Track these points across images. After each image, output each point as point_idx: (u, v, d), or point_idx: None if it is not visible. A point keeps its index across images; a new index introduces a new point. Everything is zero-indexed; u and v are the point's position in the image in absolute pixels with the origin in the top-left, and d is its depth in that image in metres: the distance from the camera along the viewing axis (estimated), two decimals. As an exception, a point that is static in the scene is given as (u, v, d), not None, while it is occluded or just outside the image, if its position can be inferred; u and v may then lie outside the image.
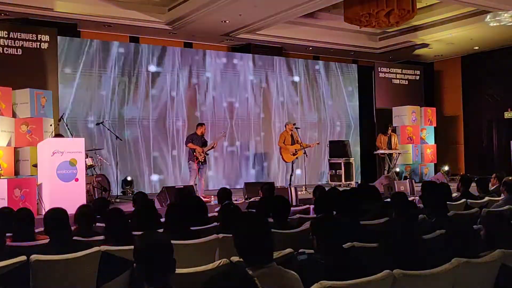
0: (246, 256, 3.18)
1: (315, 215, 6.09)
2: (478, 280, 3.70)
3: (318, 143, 13.73)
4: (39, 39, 12.20)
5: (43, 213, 7.97)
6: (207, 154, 11.81)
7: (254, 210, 7.03)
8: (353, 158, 15.31)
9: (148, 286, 2.83)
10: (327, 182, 15.01)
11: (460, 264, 3.52)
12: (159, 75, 14.58)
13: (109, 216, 5.00)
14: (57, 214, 4.76)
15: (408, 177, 14.87)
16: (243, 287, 2.15)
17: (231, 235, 4.58)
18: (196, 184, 11.44)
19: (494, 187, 8.78)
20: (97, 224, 5.66)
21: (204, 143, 11.68)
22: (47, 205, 8.47)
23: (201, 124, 11.95)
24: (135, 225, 5.26)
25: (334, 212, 5.55)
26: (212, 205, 9.40)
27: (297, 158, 13.00)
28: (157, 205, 9.40)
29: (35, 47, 12.15)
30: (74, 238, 4.85)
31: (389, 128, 15.24)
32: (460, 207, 7.20)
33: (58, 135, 10.64)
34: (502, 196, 7.61)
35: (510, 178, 8.03)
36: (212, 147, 11.84)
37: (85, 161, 9.91)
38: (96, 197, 9.89)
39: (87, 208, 5.61)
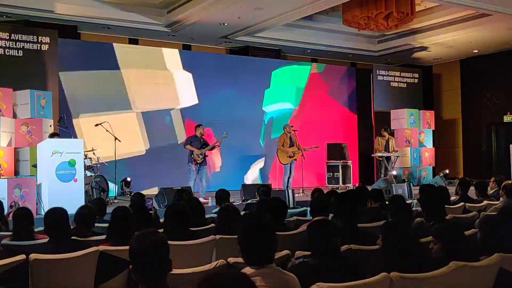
0: (248, 255, 3.21)
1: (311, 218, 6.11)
2: (476, 284, 3.71)
3: (317, 147, 13.72)
4: (39, 40, 12.23)
5: (42, 213, 8.04)
6: (206, 156, 11.83)
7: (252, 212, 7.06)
8: (350, 161, 15.34)
9: (144, 286, 2.84)
10: (325, 185, 15.04)
11: (458, 267, 3.53)
12: (159, 75, 14.62)
13: (115, 214, 5.01)
14: (58, 213, 4.78)
15: (406, 180, 14.89)
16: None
17: (228, 236, 4.62)
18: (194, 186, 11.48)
19: (493, 191, 8.77)
20: (96, 224, 5.69)
21: (203, 145, 11.71)
22: (46, 205, 8.50)
23: (199, 125, 11.97)
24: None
25: (331, 215, 5.57)
26: (209, 206, 9.42)
27: (295, 160, 13.01)
28: (155, 206, 9.45)
29: (36, 48, 12.18)
30: (72, 238, 4.87)
31: (383, 130, 15.26)
32: (458, 211, 7.21)
33: (54, 134, 10.65)
34: (501, 200, 7.62)
35: (510, 182, 8.03)
36: (213, 148, 11.85)
37: (84, 162, 9.93)
38: (95, 197, 9.91)
39: (87, 209, 5.62)
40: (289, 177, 12.99)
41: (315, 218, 5.37)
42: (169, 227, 5.04)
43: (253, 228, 3.29)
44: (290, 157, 12.89)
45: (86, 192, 9.81)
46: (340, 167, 14.87)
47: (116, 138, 11.97)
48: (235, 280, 2.11)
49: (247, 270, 3.12)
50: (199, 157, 11.53)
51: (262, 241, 3.22)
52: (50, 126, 11.22)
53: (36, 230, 5.31)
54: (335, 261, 3.63)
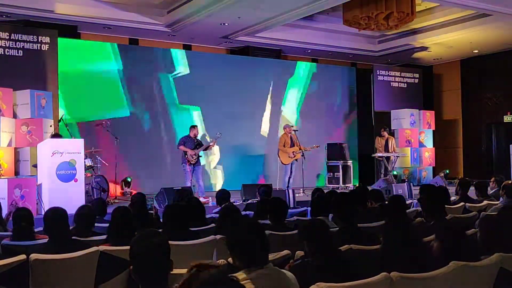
0: (243, 258, 3.21)
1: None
2: (476, 284, 3.70)
3: (317, 146, 13.74)
4: (39, 40, 12.21)
5: (43, 213, 8.03)
6: (200, 156, 11.84)
7: (252, 212, 7.07)
8: (351, 161, 15.35)
9: (145, 287, 2.84)
10: (325, 184, 15.05)
11: (458, 267, 3.53)
12: (158, 76, 14.64)
13: (115, 214, 5.01)
14: (57, 213, 4.78)
15: (406, 180, 14.90)
16: None
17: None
18: (194, 186, 11.48)
19: (493, 191, 8.77)
20: (96, 224, 5.69)
21: (197, 145, 11.73)
22: (46, 205, 8.50)
23: (194, 126, 12.03)
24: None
25: (331, 215, 5.58)
26: (209, 206, 9.43)
27: (296, 160, 13.02)
28: (156, 206, 9.45)
29: (36, 48, 12.17)
30: (73, 238, 4.87)
31: (382, 131, 15.26)
32: (458, 211, 7.21)
33: (56, 134, 10.66)
34: (501, 200, 7.62)
35: (510, 181, 8.02)
36: (207, 148, 11.87)
37: (84, 162, 9.93)
38: (95, 197, 9.93)
39: (87, 208, 5.62)
40: (289, 177, 13.01)
41: (307, 220, 5.39)
42: (168, 227, 5.04)
43: (244, 231, 3.29)
44: (291, 157, 12.90)
45: (86, 192, 9.82)
46: (340, 167, 14.87)
47: (116, 138, 11.99)
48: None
49: (245, 272, 3.12)
50: (192, 157, 11.56)
51: (255, 242, 3.21)
52: (51, 126, 11.22)
53: (36, 230, 5.31)
54: (334, 260, 3.63)
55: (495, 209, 6.92)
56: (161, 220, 6.19)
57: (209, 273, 2.43)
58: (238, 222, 3.43)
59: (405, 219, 5.34)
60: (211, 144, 11.83)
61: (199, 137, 12.41)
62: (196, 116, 15.04)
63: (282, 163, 13.12)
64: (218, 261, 3.89)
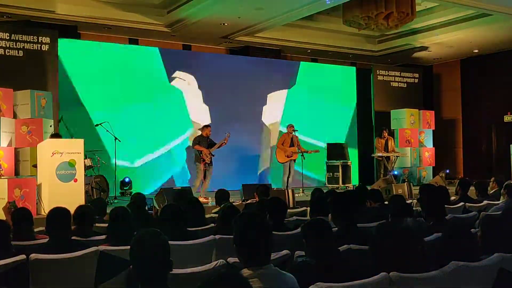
0: (244, 256, 3.20)
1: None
2: (476, 284, 3.70)
3: (317, 151, 13.74)
4: (40, 41, 12.22)
5: (43, 213, 8.05)
6: (213, 155, 11.91)
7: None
8: (350, 161, 15.34)
9: (144, 287, 2.84)
10: (325, 184, 15.05)
11: (457, 267, 3.53)
12: (159, 76, 14.63)
13: (113, 215, 5.01)
14: (60, 213, 4.78)
15: (406, 180, 14.89)
16: None
17: (228, 236, 4.61)
18: (193, 186, 11.52)
19: (493, 191, 8.77)
20: (96, 224, 5.68)
21: (210, 145, 11.79)
22: (46, 205, 8.51)
23: (207, 126, 12.10)
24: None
25: (330, 215, 5.57)
26: (209, 206, 9.42)
27: (294, 160, 13.03)
28: (156, 206, 9.44)
29: (36, 48, 12.18)
30: (73, 238, 4.87)
31: (384, 131, 15.25)
32: (458, 211, 7.21)
33: (55, 134, 10.65)
34: (502, 200, 7.61)
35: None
36: (219, 147, 11.94)
37: (84, 162, 9.93)
38: (95, 197, 9.92)
39: (86, 208, 5.61)
40: (288, 177, 13.02)
41: (309, 220, 5.38)
42: (164, 227, 5.04)
43: (251, 228, 3.27)
44: (288, 156, 12.92)
45: (86, 192, 9.81)
46: (340, 167, 14.88)
47: (116, 138, 11.98)
48: (232, 283, 2.11)
49: (245, 271, 3.11)
50: (207, 156, 11.62)
51: (260, 242, 3.20)
52: (51, 126, 11.22)
53: (36, 230, 5.31)
54: (334, 261, 3.63)
55: (496, 209, 6.92)
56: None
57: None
58: (242, 219, 3.39)
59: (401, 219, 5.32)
60: (224, 142, 11.90)
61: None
62: (198, 116, 15.04)
63: (277, 161, 13.17)
64: (217, 261, 3.89)
